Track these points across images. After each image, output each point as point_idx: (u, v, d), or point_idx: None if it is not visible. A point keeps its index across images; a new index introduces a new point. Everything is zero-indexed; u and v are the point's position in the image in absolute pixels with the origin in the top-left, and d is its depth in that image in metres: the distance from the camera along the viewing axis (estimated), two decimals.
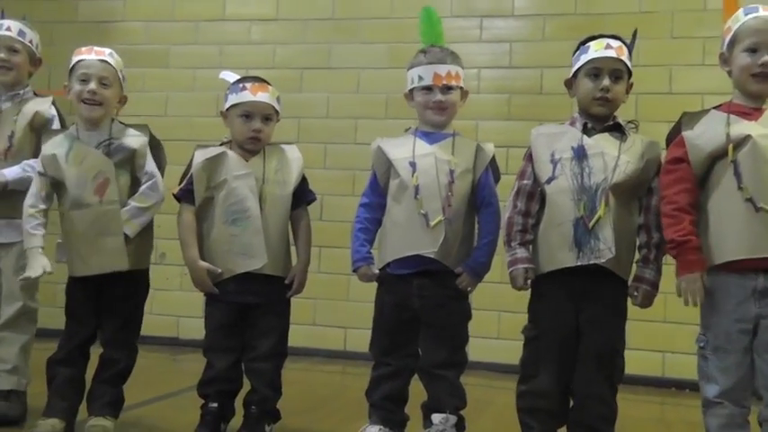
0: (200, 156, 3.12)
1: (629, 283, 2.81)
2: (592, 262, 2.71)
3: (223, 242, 3.06)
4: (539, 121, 4.82)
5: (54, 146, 3.14)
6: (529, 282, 2.81)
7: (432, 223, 2.89)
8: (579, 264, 2.72)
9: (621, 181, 2.74)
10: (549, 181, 2.81)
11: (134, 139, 3.17)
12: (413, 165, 2.96)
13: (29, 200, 3.13)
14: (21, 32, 3.47)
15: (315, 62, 5.75)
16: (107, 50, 3.21)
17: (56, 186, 3.13)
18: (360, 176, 5.14)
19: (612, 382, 2.80)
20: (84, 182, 3.06)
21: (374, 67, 5.63)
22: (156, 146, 3.24)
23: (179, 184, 3.17)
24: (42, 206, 3.12)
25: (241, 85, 3.15)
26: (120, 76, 3.22)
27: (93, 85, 3.11)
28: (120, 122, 3.23)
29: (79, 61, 3.17)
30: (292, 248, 3.21)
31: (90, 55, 3.17)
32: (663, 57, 5.09)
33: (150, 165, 3.18)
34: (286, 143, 3.27)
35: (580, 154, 2.79)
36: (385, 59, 5.56)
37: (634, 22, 4.95)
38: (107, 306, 3.14)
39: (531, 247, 2.85)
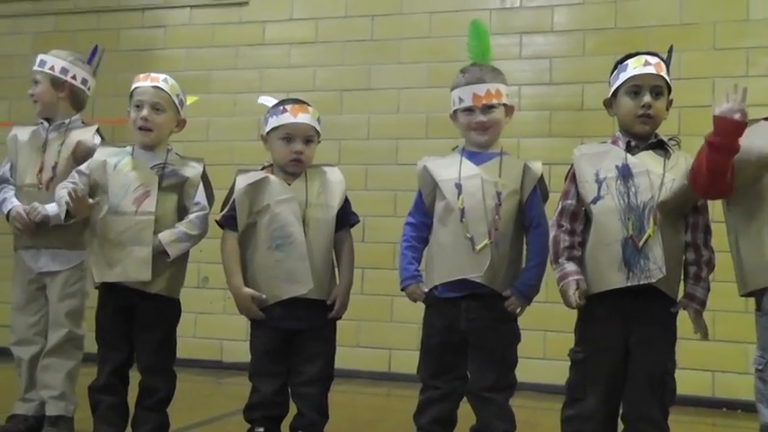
0: (242, 181, 3.12)
1: (680, 299, 2.76)
2: (642, 282, 2.66)
3: (268, 267, 3.05)
4: (580, 137, 4.83)
5: (107, 154, 3.23)
6: (578, 294, 2.72)
7: (477, 247, 2.85)
8: (630, 284, 2.68)
9: (668, 199, 2.70)
10: (595, 201, 2.77)
11: (188, 169, 3.23)
12: (458, 187, 2.92)
13: (66, 182, 3.19)
14: (41, 62, 3.52)
15: (355, 83, 5.77)
16: (162, 76, 3.26)
17: (94, 191, 3.18)
18: (401, 197, 5.14)
19: (664, 403, 2.75)
20: (125, 191, 3.12)
21: (414, 87, 5.64)
22: (207, 184, 3.28)
23: (221, 209, 3.18)
24: (77, 184, 3.15)
25: (281, 108, 3.15)
26: (176, 101, 3.26)
27: (145, 112, 3.18)
28: (177, 154, 3.29)
29: (135, 89, 3.24)
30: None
31: (145, 82, 3.23)
32: (705, 69, 5.03)
33: (201, 197, 3.23)
34: (328, 165, 3.26)
35: (625, 173, 2.75)
36: (425, 79, 5.56)
37: (675, 35, 4.94)
38: (138, 332, 3.17)
39: (578, 263, 2.80)
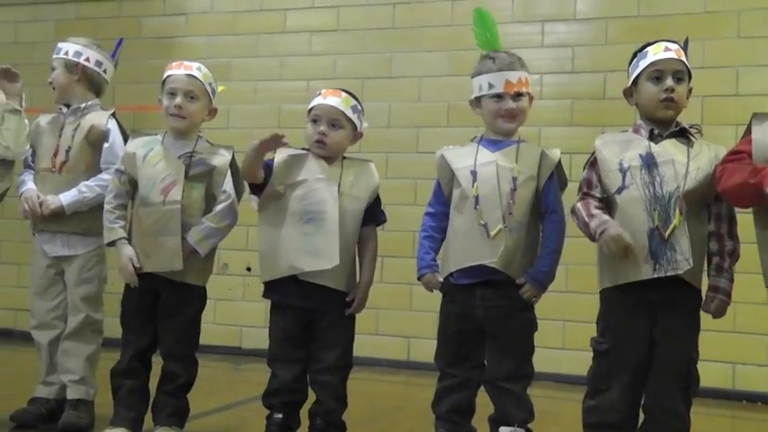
0: (284, 151, 3.11)
1: (706, 293, 2.74)
2: (670, 274, 2.64)
3: (293, 239, 3.02)
4: (602, 126, 4.80)
5: (136, 146, 3.25)
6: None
7: (492, 233, 2.83)
8: (656, 276, 2.65)
9: (693, 188, 2.67)
10: (620, 191, 2.74)
11: (217, 157, 3.24)
12: (474, 174, 2.91)
13: (106, 197, 3.24)
14: (57, 49, 3.57)
15: (376, 72, 5.75)
16: (195, 65, 3.27)
17: (133, 185, 3.22)
18: (422, 186, 5.12)
19: (688, 394, 2.73)
20: (153, 182, 3.14)
21: (435, 75, 5.61)
22: (236, 171, 3.27)
23: None
24: (118, 201, 3.22)
25: (318, 92, 3.19)
26: (209, 89, 3.28)
27: (178, 100, 3.20)
28: (208, 141, 3.30)
29: (168, 76, 3.25)
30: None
31: (179, 70, 3.25)
32: (729, 57, 4.97)
33: (229, 184, 3.23)
34: (367, 160, 3.25)
35: (649, 162, 2.72)
36: (446, 67, 5.54)
37: (699, 23, 4.90)
38: (162, 318, 3.19)
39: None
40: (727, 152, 2.65)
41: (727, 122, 4.35)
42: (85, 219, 3.36)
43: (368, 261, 3.16)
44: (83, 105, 3.51)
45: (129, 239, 3.19)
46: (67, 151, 3.42)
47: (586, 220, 2.77)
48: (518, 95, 2.95)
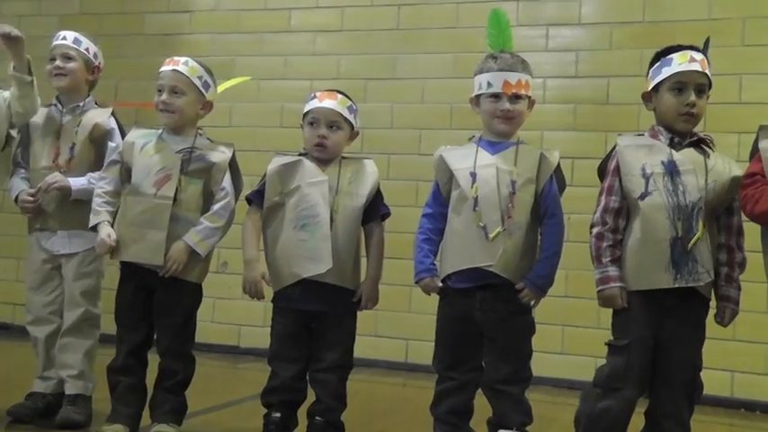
0: (276, 161, 3.15)
1: (717, 303, 2.74)
2: (690, 285, 2.64)
3: (291, 247, 3.05)
4: (605, 131, 4.79)
5: (137, 136, 3.26)
6: (624, 300, 2.71)
7: (491, 236, 2.83)
8: (676, 286, 2.65)
9: (712, 199, 2.68)
10: (643, 197, 2.71)
11: (216, 154, 3.23)
12: (473, 175, 2.90)
13: (99, 182, 3.25)
14: (76, 40, 3.51)
15: (379, 72, 5.74)
16: (183, 59, 3.25)
17: (128, 174, 3.21)
18: (423, 187, 5.10)
19: (692, 401, 2.74)
20: (146, 172, 3.14)
21: (439, 77, 5.60)
22: (235, 170, 3.27)
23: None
24: (110, 188, 3.22)
25: (312, 95, 3.19)
26: (198, 83, 3.23)
27: (164, 96, 3.19)
28: (209, 138, 3.29)
29: (159, 73, 3.26)
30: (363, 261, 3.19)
31: (167, 66, 3.24)
32: (733, 65, 4.95)
33: (227, 182, 3.22)
34: (365, 157, 3.26)
35: (672, 169, 2.70)
36: (450, 69, 5.52)
37: (704, 30, 4.84)
38: (158, 315, 3.19)
39: (618, 264, 2.75)
40: (743, 175, 2.64)
41: (731, 130, 4.35)
42: (85, 214, 3.28)
43: (374, 256, 3.18)
44: (81, 104, 3.50)
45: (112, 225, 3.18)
46: (71, 148, 3.41)
47: (594, 262, 2.78)
48: (516, 97, 2.93)
